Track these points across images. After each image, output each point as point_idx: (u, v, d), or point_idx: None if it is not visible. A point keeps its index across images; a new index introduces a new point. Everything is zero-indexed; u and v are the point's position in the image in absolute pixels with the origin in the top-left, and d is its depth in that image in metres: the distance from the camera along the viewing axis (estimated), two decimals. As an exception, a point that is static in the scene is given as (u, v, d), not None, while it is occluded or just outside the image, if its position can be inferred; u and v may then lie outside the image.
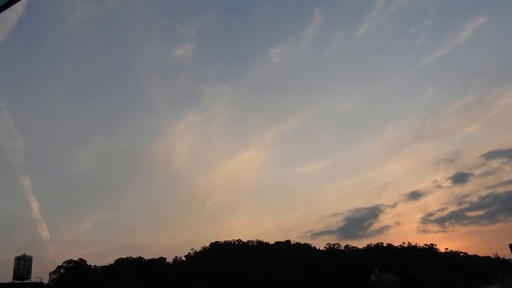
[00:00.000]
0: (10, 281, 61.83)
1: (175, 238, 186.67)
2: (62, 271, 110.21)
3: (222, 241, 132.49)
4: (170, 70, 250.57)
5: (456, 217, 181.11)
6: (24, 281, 61.94)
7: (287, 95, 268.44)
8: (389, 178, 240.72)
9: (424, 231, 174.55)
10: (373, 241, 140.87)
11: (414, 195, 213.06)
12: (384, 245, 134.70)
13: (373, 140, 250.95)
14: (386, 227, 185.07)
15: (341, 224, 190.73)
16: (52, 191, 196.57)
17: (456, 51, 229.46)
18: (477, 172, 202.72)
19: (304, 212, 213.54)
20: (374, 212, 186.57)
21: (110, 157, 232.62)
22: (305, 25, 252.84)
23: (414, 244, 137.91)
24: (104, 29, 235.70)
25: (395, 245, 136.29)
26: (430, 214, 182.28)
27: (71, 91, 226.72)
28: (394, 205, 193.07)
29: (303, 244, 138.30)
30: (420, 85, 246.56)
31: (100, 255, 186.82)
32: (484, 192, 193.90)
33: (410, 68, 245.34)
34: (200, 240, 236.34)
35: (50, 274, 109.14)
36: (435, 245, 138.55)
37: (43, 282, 73.41)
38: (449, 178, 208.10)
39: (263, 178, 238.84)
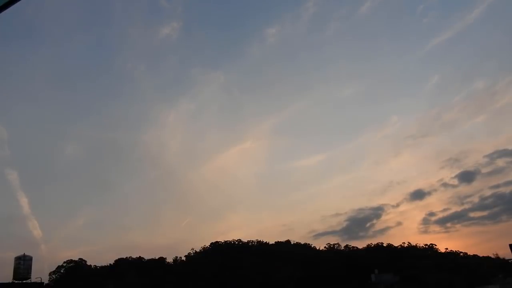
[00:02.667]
0: (10, 281, 61.71)
1: (172, 236, 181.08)
2: (62, 271, 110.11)
3: (222, 241, 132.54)
4: (156, 52, 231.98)
5: (460, 217, 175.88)
6: (24, 281, 61.78)
7: (284, 81, 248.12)
8: (392, 175, 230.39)
9: (427, 231, 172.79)
10: (376, 241, 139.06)
11: (418, 195, 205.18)
12: (384, 245, 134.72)
13: (375, 131, 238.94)
14: (389, 228, 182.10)
15: (344, 225, 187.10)
16: (40, 186, 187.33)
17: (466, 32, 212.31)
18: (483, 171, 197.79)
19: (306, 211, 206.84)
20: (377, 212, 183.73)
21: (98, 149, 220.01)
22: (303, 1, 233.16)
23: (414, 244, 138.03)
24: (84, 6, 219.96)
25: (396, 245, 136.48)
26: (434, 215, 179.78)
27: (52, 77, 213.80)
28: (397, 205, 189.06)
29: (303, 244, 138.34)
30: (425, 70, 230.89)
31: (95, 253, 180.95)
32: (488, 192, 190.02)
33: (416, 51, 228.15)
34: (196, 238, 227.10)
35: (50, 274, 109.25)
36: (435, 245, 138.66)
37: (43, 282, 73.30)
38: (454, 177, 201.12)
39: (261, 172, 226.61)
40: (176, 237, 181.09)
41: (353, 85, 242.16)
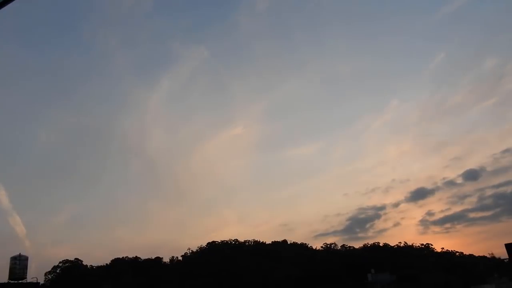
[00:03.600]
0: (6, 281, 61.39)
1: (163, 234, 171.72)
2: (58, 271, 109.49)
3: (219, 241, 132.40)
4: (128, 23, 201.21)
5: (461, 218, 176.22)
6: (20, 281, 61.48)
7: (276, 57, 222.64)
8: (393, 172, 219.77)
9: (430, 231, 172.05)
10: (379, 242, 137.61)
11: (420, 193, 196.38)
12: (381, 244, 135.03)
13: (374, 117, 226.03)
14: (391, 228, 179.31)
15: (345, 225, 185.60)
16: (15, 177, 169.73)
17: (475, 3, 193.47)
18: (488, 169, 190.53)
19: (304, 207, 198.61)
20: (379, 212, 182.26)
21: (74, 136, 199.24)
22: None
23: (410, 244, 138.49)
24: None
25: (393, 245, 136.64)
26: (436, 214, 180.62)
27: (16, 55, 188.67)
28: (399, 204, 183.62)
29: (300, 243, 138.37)
30: (432, 45, 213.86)
31: (87, 252, 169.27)
32: (490, 192, 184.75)
33: (423, 22, 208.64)
34: (189, 235, 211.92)
35: (45, 274, 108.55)
36: (431, 245, 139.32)
37: (39, 282, 72.92)
38: (457, 176, 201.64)
39: (254, 162, 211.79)
40: (167, 234, 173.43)
41: (351, 61, 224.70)
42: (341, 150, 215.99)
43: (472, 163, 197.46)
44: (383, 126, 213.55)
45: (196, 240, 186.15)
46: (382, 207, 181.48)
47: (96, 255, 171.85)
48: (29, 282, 63.14)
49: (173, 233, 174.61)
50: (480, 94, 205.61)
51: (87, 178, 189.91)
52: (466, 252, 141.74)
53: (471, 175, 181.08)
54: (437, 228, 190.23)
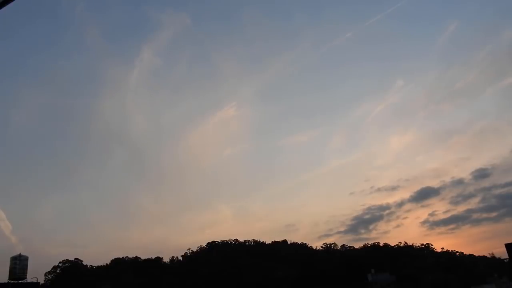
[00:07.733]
0: (6, 281, 61.45)
1: (160, 234, 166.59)
2: (58, 271, 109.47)
3: (219, 241, 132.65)
4: None
5: (465, 219, 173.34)
6: (20, 281, 61.55)
7: (268, 25, 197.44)
8: (398, 168, 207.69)
9: (432, 232, 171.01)
10: (383, 242, 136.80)
11: (425, 193, 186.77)
12: (381, 244, 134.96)
13: (377, 100, 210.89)
14: (395, 228, 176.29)
15: (350, 225, 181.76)
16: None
17: None
18: (496, 168, 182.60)
19: (309, 208, 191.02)
20: (381, 213, 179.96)
21: (49, 118, 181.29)
22: None
23: (410, 244, 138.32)
24: None
25: (393, 245, 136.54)
26: (440, 214, 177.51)
27: None
28: (403, 204, 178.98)
29: (300, 243, 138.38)
30: (441, 17, 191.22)
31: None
32: (498, 191, 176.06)
33: None
34: (188, 234, 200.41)
35: (45, 274, 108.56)
36: (431, 245, 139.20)
37: (39, 282, 72.98)
38: (463, 175, 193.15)
39: (249, 150, 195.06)
40: (165, 233, 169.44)
41: (350, 28, 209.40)
42: (342, 138, 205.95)
43: (481, 160, 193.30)
44: (386, 109, 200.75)
45: (194, 236, 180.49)
46: (387, 207, 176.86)
47: (96, 254, 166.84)
48: (29, 282, 63.21)
49: (171, 231, 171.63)
50: (495, 72, 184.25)
51: (70, 171, 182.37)
52: (466, 252, 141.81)
53: (480, 174, 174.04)
54: (440, 229, 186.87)
